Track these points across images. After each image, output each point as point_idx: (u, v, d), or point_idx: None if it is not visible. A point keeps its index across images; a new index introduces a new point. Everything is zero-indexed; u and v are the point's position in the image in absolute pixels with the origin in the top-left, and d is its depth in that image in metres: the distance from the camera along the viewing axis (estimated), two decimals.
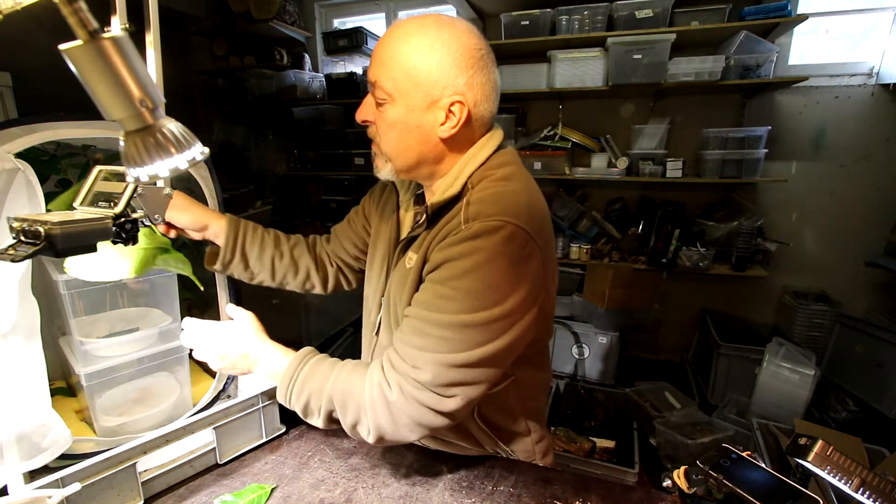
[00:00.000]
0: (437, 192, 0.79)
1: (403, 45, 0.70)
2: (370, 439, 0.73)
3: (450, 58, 0.70)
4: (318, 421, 0.76)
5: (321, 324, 2.23)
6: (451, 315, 0.68)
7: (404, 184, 0.93)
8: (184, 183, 1.02)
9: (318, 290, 1.09)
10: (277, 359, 0.80)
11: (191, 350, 0.86)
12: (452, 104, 0.72)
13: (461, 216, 0.72)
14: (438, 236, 0.74)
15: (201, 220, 0.94)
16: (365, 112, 0.77)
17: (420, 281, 0.77)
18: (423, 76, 0.70)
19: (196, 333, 0.85)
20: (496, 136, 0.80)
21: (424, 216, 0.80)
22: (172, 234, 0.93)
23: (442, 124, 0.73)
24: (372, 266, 0.96)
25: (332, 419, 0.75)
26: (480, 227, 0.68)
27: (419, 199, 0.90)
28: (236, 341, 0.82)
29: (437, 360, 0.68)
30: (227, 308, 0.87)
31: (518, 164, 0.81)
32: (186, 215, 0.91)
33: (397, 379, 0.70)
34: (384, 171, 0.81)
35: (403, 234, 0.88)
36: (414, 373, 0.69)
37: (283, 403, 0.79)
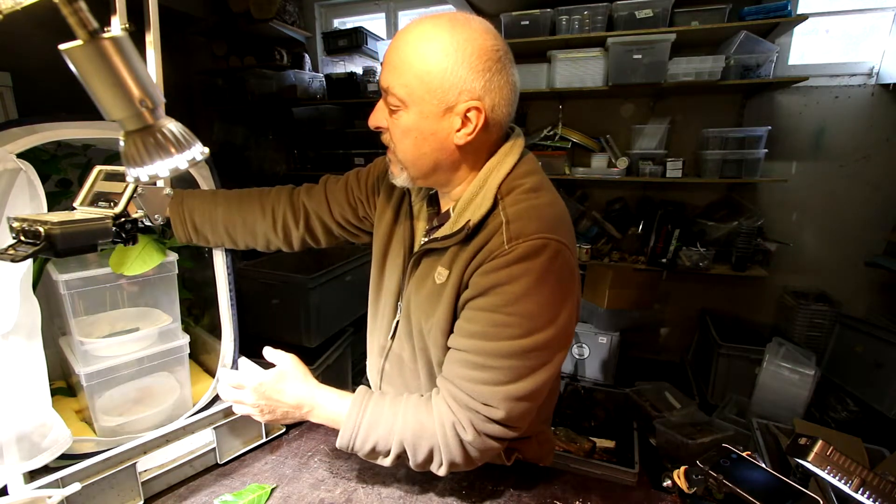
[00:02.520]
0: (461, 203, 0.76)
1: (416, 49, 0.67)
2: (440, 472, 0.75)
3: (465, 62, 0.66)
4: (384, 461, 0.76)
5: (321, 323, 2.23)
6: (512, 342, 0.68)
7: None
8: (184, 183, 1.02)
9: (282, 247, 1.02)
10: (334, 404, 0.78)
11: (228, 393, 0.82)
12: (469, 110, 0.68)
13: (503, 236, 0.70)
14: (478, 258, 0.72)
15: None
16: (378, 118, 0.75)
17: (456, 301, 0.75)
18: (437, 82, 0.66)
19: (234, 385, 0.79)
20: (519, 143, 0.78)
21: (436, 223, 0.81)
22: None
23: (458, 131, 0.70)
24: (384, 263, 0.90)
25: (398, 458, 0.75)
26: (526, 247, 0.68)
27: (432, 199, 0.86)
28: (286, 391, 0.78)
29: (507, 395, 0.69)
30: (266, 352, 0.82)
31: (541, 172, 0.79)
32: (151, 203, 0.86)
33: (470, 418, 0.71)
34: (400, 179, 0.78)
35: (418, 237, 0.86)
36: (487, 410, 0.70)
37: (342, 449, 0.77)
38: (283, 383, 0.79)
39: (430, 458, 0.74)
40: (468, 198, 0.75)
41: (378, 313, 0.93)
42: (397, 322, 0.87)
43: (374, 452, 0.75)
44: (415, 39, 0.67)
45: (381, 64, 0.74)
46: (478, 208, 0.73)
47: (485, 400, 0.70)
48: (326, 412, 0.78)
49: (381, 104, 0.74)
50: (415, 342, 0.84)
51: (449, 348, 0.77)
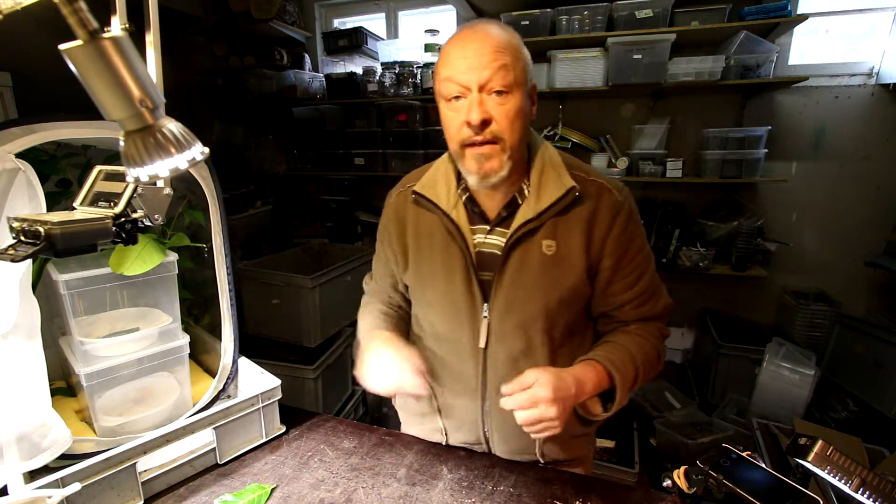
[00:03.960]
0: (534, 181, 0.85)
1: (508, 37, 0.77)
2: (659, 369, 0.92)
3: (525, 48, 0.79)
4: (636, 386, 0.88)
5: (321, 323, 2.23)
6: (650, 260, 0.91)
7: (439, 186, 0.92)
8: (184, 183, 1.02)
9: None
10: (588, 374, 0.82)
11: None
12: (533, 87, 0.82)
13: (613, 193, 0.86)
14: (600, 220, 0.84)
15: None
16: (485, 109, 0.77)
17: (588, 262, 0.85)
18: (527, 65, 0.79)
19: (529, 403, 0.75)
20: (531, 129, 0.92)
21: (503, 213, 0.87)
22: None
23: (531, 109, 0.83)
24: (434, 279, 0.91)
25: (643, 377, 0.88)
26: (626, 191, 0.89)
27: (469, 201, 0.90)
28: (564, 379, 0.77)
29: (666, 295, 0.94)
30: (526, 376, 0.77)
31: None
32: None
33: (661, 323, 0.95)
34: (504, 170, 0.81)
35: (470, 239, 0.88)
36: (664, 316, 0.95)
37: (621, 403, 0.84)
38: (556, 380, 0.76)
39: (655, 366, 0.90)
40: (537, 176, 0.85)
41: (452, 328, 0.92)
42: (489, 325, 0.88)
43: (632, 386, 0.85)
44: (495, 33, 0.77)
45: (455, 62, 0.77)
46: (558, 180, 0.84)
47: (665, 307, 0.93)
48: (592, 385, 0.82)
49: (477, 99, 0.76)
50: (528, 328, 0.87)
51: (606, 313, 0.92)
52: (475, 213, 0.89)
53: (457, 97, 0.78)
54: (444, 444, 1.01)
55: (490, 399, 0.93)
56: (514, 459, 0.96)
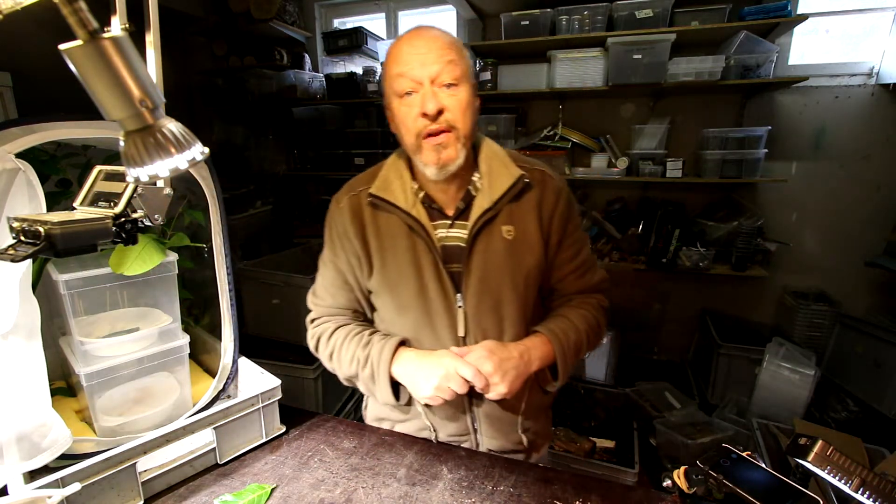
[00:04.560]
0: (484, 172, 0.92)
1: (448, 37, 0.85)
2: (603, 340, 0.99)
3: (466, 51, 0.87)
4: (583, 354, 0.98)
5: None
6: (586, 236, 1.05)
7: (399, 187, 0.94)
8: (184, 183, 1.02)
9: None
10: (537, 343, 0.92)
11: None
12: (474, 87, 0.88)
13: (553, 179, 0.96)
14: (546, 203, 0.94)
15: None
16: (439, 100, 0.82)
17: (543, 240, 0.94)
18: (469, 64, 0.87)
19: (468, 367, 0.84)
20: None
21: (461, 205, 0.92)
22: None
23: (477, 105, 0.89)
24: (402, 277, 0.92)
25: (588, 346, 0.98)
26: (562, 178, 0.99)
27: (426, 196, 0.94)
28: (507, 347, 0.88)
29: (600, 266, 1.06)
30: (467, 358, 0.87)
31: None
32: None
33: (601, 293, 1.05)
34: (460, 158, 0.87)
35: (433, 233, 0.91)
36: (603, 284, 1.05)
37: (566, 373, 0.95)
38: (499, 346, 0.88)
39: (599, 333, 1.00)
40: (486, 170, 0.92)
41: (427, 323, 0.94)
42: (465, 312, 0.92)
43: (576, 355, 0.95)
44: (441, 34, 0.85)
45: (405, 59, 0.83)
46: (507, 171, 0.92)
47: (601, 279, 1.04)
48: (538, 351, 0.91)
49: (428, 91, 0.82)
50: (494, 316, 0.93)
51: (552, 287, 1.02)
52: (433, 209, 0.94)
53: (409, 92, 0.83)
54: (434, 440, 1.02)
55: None
56: (502, 452, 1.00)
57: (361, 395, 1.12)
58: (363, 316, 1.05)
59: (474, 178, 0.93)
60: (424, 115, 0.82)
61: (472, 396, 0.97)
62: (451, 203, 0.94)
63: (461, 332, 0.94)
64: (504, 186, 0.90)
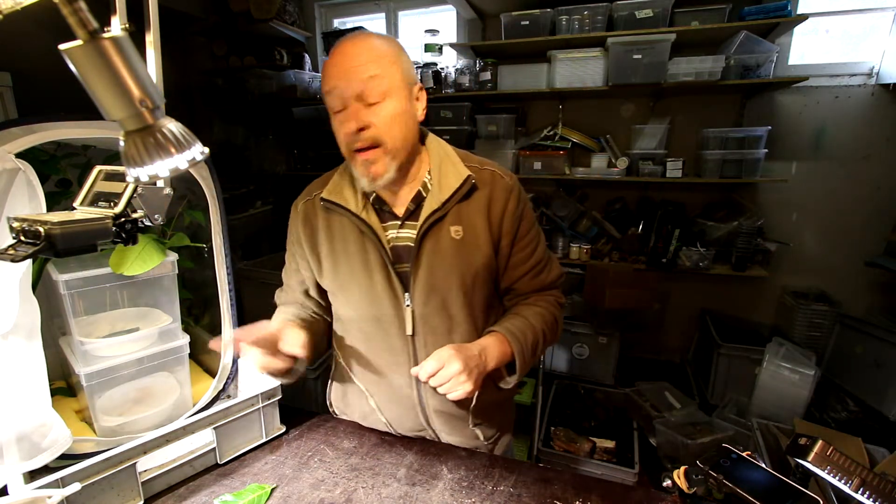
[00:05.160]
0: (435, 174, 0.92)
1: (382, 45, 0.83)
2: (558, 337, 1.04)
3: (404, 53, 0.87)
4: (537, 352, 0.97)
5: None
6: (541, 234, 1.02)
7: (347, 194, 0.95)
8: (184, 183, 1.02)
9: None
10: (493, 342, 0.91)
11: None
12: (420, 88, 0.89)
13: (503, 178, 0.95)
14: (495, 204, 0.93)
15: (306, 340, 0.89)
16: (361, 118, 0.83)
17: (491, 242, 0.94)
18: (405, 68, 0.86)
19: (435, 366, 0.83)
20: (425, 129, 0.99)
21: (410, 206, 0.92)
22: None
23: (418, 110, 0.89)
24: (352, 277, 0.94)
25: (544, 343, 0.98)
26: (514, 177, 0.98)
27: (376, 201, 0.94)
28: (467, 347, 0.88)
29: (557, 262, 1.06)
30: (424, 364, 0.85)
31: None
32: (300, 336, 0.87)
33: (556, 291, 1.06)
34: (388, 174, 0.87)
35: (382, 235, 0.92)
36: (558, 281, 1.05)
37: (522, 371, 0.94)
38: (459, 346, 0.87)
39: (555, 331, 1.01)
40: (436, 171, 0.93)
41: (373, 318, 0.96)
42: (413, 311, 0.93)
43: (534, 353, 0.95)
44: (373, 40, 0.84)
45: (331, 78, 0.84)
46: (456, 171, 0.92)
47: (557, 276, 1.04)
48: (495, 350, 0.90)
49: (352, 110, 0.83)
50: (445, 315, 0.94)
51: (508, 287, 1.01)
52: (384, 211, 0.95)
53: (340, 110, 0.85)
54: (394, 433, 1.05)
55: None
56: (461, 446, 1.00)
57: None
58: (317, 310, 1.08)
59: (426, 179, 0.94)
60: (349, 133, 0.84)
61: (421, 394, 0.99)
62: (402, 204, 0.94)
63: (409, 332, 0.94)
64: (452, 187, 0.90)
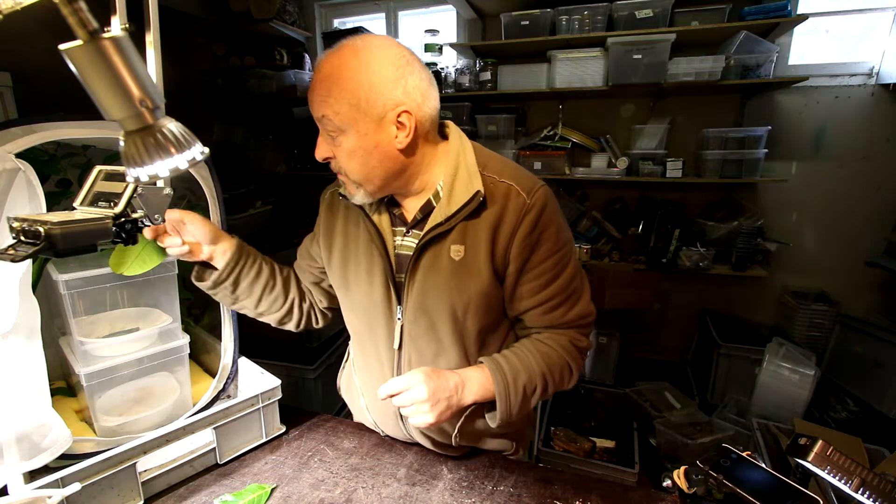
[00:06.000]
0: (445, 185, 0.82)
1: (335, 79, 0.73)
2: (571, 384, 0.91)
3: (378, 76, 0.73)
4: (534, 400, 0.87)
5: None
6: (569, 266, 0.87)
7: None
8: (184, 183, 1.02)
9: (292, 325, 1.08)
10: (477, 376, 0.84)
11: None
12: (399, 115, 0.75)
13: (521, 195, 0.81)
14: (504, 226, 0.81)
15: (216, 235, 0.92)
16: (323, 150, 0.80)
17: (494, 270, 0.83)
18: (363, 102, 0.73)
19: (401, 388, 0.80)
20: (454, 126, 0.89)
21: (418, 215, 0.86)
22: (173, 248, 0.88)
23: (396, 137, 0.77)
24: (357, 280, 0.92)
25: (544, 391, 0.87)
26: (542, 192, 0.83)
27: (390, 202, 0.91)
28: (444, 375, 0.81)
29: (585, 302, 0.90)
30: (390, 383, 0.81)
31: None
32: (203, 228, 0.89)
33: (576, 331, 0.91)
34: (358, 196, 0.84)
35: (390, 242, 0.88)
36: (582, 321, 0.90)
37: (503, 415, 0.84)
38: (436, 373, 0.81)
39: (563, 377, 0.89)
40: (449, 180, 0.82)
41: (367, 325, 0.94)
42: (402, 327, 0.89)
43: (525, 397, 0.85)
44: (330, 72, 0.74)
45: (309, 99, 0.79)
46: (469, 183, 0.81)
47: (578, 315, 0.89)
48: (477, 385, 0.83)
49: (322, 136, 0.80)
50: (433, 335, 0.87)
51: (517, 317, 0.91)
52: (396, 216, 0.91)
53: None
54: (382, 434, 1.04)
55: None
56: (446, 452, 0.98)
57: None
58: (302, 278, 1.08)
59: (438, 187, 0.85)
60: None
61: (401, 410, 0.94)
62: (412, 211, 0.89)
63: (395, 345, 0.90)
64: (460, 202, 0.80)
